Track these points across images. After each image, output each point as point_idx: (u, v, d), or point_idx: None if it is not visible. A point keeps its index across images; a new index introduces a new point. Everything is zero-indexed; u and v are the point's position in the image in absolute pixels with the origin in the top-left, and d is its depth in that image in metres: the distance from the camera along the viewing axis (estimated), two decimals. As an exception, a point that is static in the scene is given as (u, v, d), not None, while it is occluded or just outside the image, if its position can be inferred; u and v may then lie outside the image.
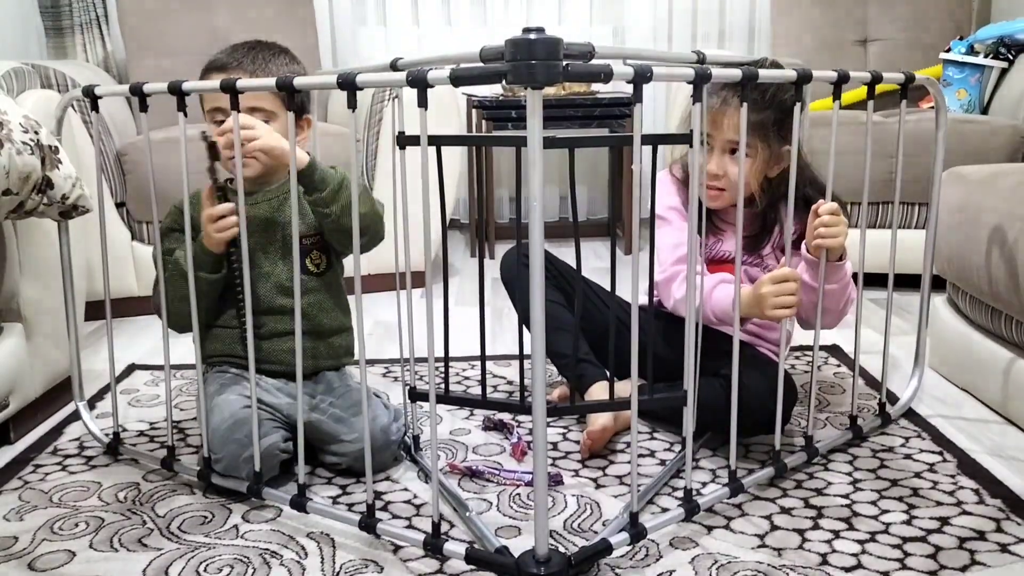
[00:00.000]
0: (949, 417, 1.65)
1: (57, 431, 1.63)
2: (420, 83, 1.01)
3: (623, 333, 1.35)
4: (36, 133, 1.40)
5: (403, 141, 1.24)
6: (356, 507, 1.32)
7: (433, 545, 1.15)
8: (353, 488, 1.39)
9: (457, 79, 0.98)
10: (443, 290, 1.35)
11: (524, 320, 1.41)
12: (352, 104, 1.07)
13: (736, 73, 1.17)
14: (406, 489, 1.38)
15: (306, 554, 1.20)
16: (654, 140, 1.32)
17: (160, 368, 1.94)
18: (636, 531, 1.16)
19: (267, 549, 1.21)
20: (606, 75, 0.98)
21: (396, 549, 1.20)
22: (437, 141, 1.16)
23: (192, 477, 1.40)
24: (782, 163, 1.51)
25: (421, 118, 1.03)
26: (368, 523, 1.19)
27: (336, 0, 3.33)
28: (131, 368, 1.98)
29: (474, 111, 3.12)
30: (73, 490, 1.40)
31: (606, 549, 1.13)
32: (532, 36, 0.93)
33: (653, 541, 1.21)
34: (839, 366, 1.94)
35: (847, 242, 1.42)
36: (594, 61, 1.03)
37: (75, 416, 1.69)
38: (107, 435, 1.55)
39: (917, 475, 1.40)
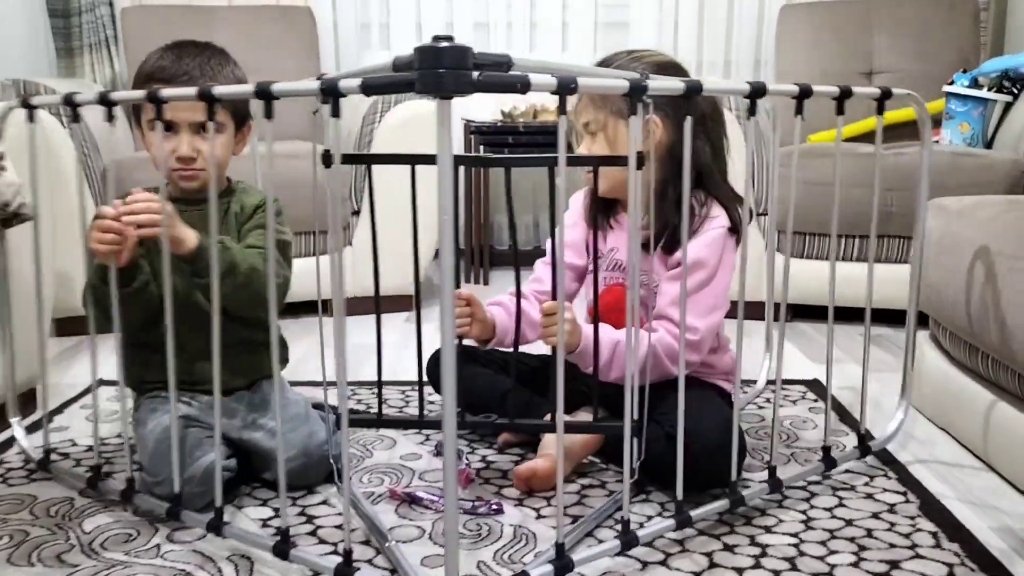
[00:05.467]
0: (922, 457, 1.58)
1: (7, 444, 1.62)
2: (332, 91, 0.99)
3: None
4: (-19, 140, 1.40)
5: (328, 160, 1.20)
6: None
7: (343, 573, 1.11)
8: (287, 510, 1.35)
9: (367, 88, 0.95)
10: (375, 310, 1.32)
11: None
12: (268, 114, 1.04)
13: (677, 86, 1.13)
14: (340, 514, 1.34)
15: (222, 576, 1.16)
16: (594, 161, 1.29)
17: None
18: (561, 563, 1.11)
19: (182, 570, 1.17)
20: (523, 85, 0.95)
21: (315, 575, 1.16)
22: (353, 160, 1.13)
23: (115, 497, 1.37)
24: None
25: (335, 129, 1.01)
26: (282, 549, 1.15)
27: (341, 24, 3.35)
28: (99, 383, 1.96)
29: (472, 136, 3.10)
30: (7, 503, 1.38)
31: (524, 582, 1.08)
32: (441, 44, 0.90)
33: (581, 575, 1.15)
34: (816, 400, 1.87)
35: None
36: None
37: (30, 428, 1.68)
38: (45, 452, 1.53)
39: (875, 515, 1.33)
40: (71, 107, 1.25)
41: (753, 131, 1.22)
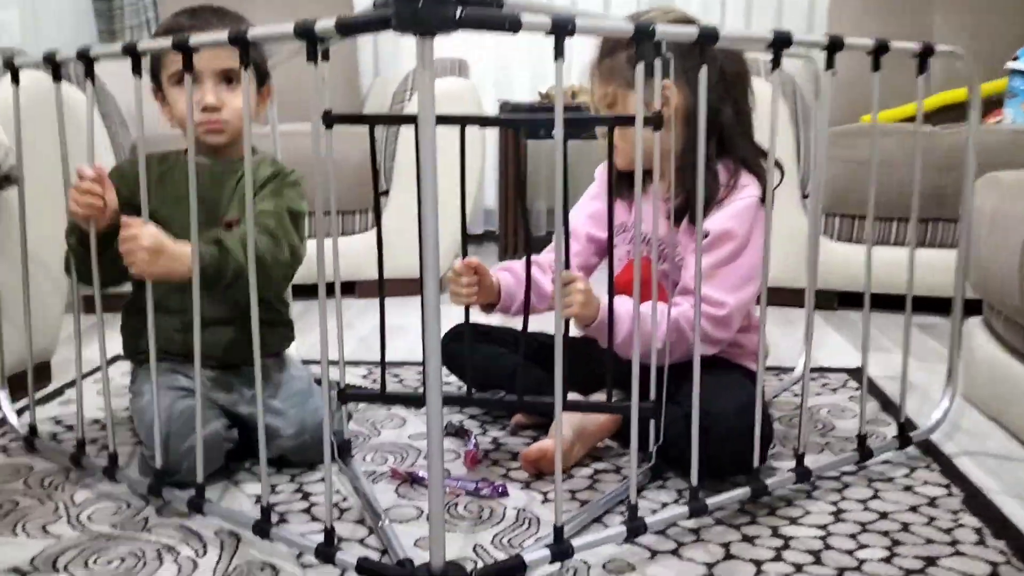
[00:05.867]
0: (969, 449, 1.46)
1: (17, 414, 1.59)
2: (308, 34, 0.92)
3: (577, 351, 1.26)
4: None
5: (329, 120, 1.13)
6: (278, 507, 1.23)
7: (325, 553, 1.04)
8: (284, 487, 1.29)
9: (342, 26, 0.88)
10: (379, 291, 1.26)
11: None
12: (245, 61, 0.98)
13: (690, 32, 1.03)
14: (338, 491, 1.28)
15: (205, 552, 1.10)
16: (600, 121, 1.20)
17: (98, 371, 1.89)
18: (560, 548, 1.03)
19: (167, 545, 1.12)
20: (511, 23, 0.87)
21: (300, 554, 1.10)
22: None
23: (98, 474, 1.32)
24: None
25: (316, 79, 0.94)
26: (262, 527, 1.09)
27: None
28: (114, 359, 1.94)
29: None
30: (4, 472, 1.35)
31: (518, 567, 1.00)
32: (421, -24, 0.82)
33: (584, 562, 1.07)
34: (857, 389, 1.76)
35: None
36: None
37: (41, 401, 1.65)
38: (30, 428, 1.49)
39: (913, 509, 1.22)
40: (86, 62, 1.20)
41: (777, 86, 1.11)
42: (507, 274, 1.44)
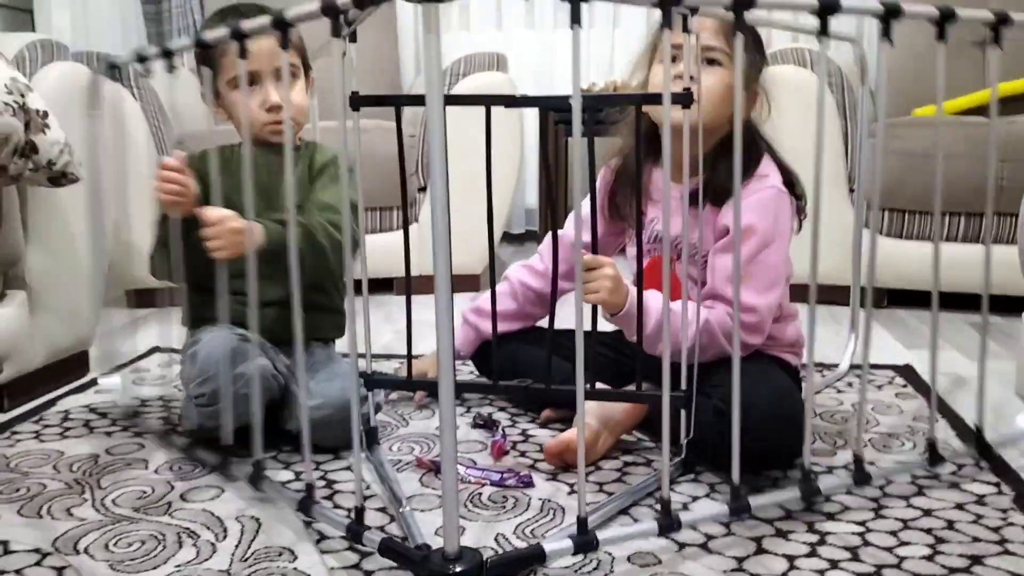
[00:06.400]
0: (1023, 447, 1.38)
1: (51, 403, 1.61)
2: (332, 10, 0.91)
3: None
4: (22, 96, 1.38)
5: (355, 103, 1.12)
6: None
7: (355, 532, 1.03)
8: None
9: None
10: (406, 285, 1.24)
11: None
12: (284, 43, 0.98)
13: None
14: (362, 478, 1.26)
15: (225, 536, 1.09)
16: (629, 99, 1.17)
17: (176, 351, 1.91)
18: (584, 539, 0.99)
19: (188, 529, 1.11)
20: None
21: (320, 539, 1.08)
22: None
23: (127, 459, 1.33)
24: (753, 103, 1.31)
25: (337, 57, 0.93)
26: (305, 504, 1.10)
27: (419, 10, 3.30)
28: (153, 350, 1.96)
29: (551, 113, 3.00)
30: (34, 457, 1.36)
31: (536, 556, 0.97)
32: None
33: (609, 554, 1.03)
34: (905, 386, 1.69)
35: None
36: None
37: (74, 391, 1.67)
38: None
39: (959, 506, 1.16)
40: (167, 57, 1.22)
41: (823, 61, 1.06)
42: (511, 295, 1.48)
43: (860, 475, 1.17)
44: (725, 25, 1.29)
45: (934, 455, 1.25)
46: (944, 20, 1.13)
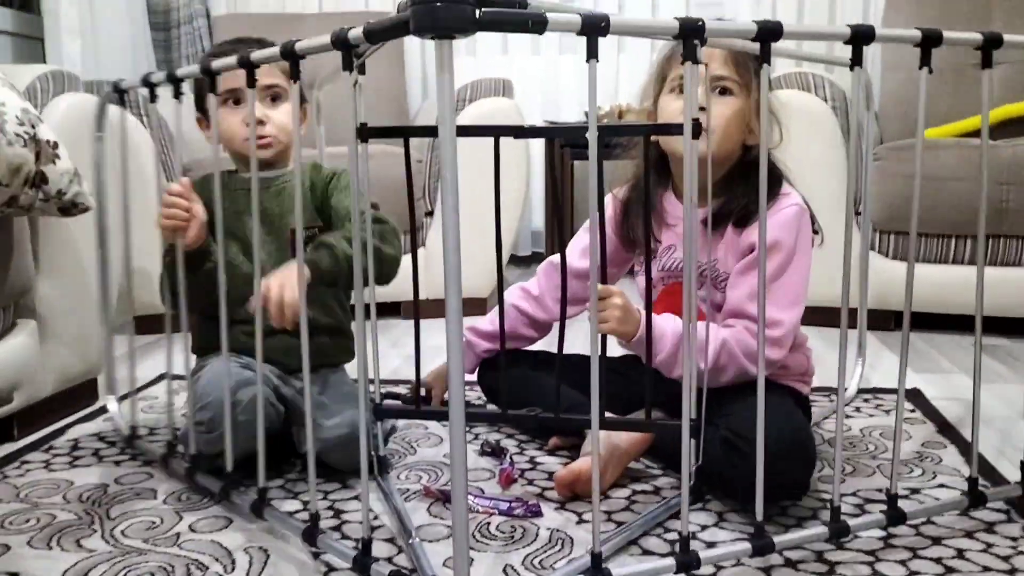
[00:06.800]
0: (1033, 474, 1.38)
1: (60, 432, 1.61)
2: (342, 44, 0.92)
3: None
4: (33, 127, 1.40)
5: (363, 134, 1.13)
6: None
7: (362, 564, 1.03)
8: (317, 504, 1.28)
9: (369, 33, 0.88)
10: (414, 310, 1.25)
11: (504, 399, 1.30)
12: (295, 74, 0.99)
13: (749, 28, 0.98)
14: (370, 510, 1.26)
15: (234, 568, 1.09)
16: (639, 130, 1.18)
17: (181, 378, 1.92)
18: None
19: (196, 560, 1.12)
20: (536, 22, 0.85)
21: (328, 571, 1.08)
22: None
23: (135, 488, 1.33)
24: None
25: (350, 88, 0.94)
26: (311, 533, 1.10)
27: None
28: (160, 377, 1.96)
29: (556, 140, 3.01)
30: (44, 487, 1.36)
31: (546, 589, 0.97)
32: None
33: (617, 585, 1.03)
34: (913, 411, 1.68)
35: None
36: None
37: (83, 419, 1.68)
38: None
39: (968, 534, 1.15)
40: (174, 83, 1.24)
41: (860, 87, 1.05)
42: (516, 306, 1.49)
43: (894, 514, 1.14)
44: (734, 54, 1.30)
45: (975, 494, 1.20)
46: (927, 43, 1.10)
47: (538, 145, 3.12)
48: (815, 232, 1.37)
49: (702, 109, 1.20)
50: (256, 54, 1.11)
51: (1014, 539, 1.14)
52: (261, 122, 1.39)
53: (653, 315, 1.23)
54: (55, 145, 1.44)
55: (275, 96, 1.42)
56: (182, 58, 3.35)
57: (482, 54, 3.34)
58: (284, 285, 1.20)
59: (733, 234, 1.34)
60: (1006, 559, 1.09)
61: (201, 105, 1.47)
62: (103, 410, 1.73)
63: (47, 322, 1.64)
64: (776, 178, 1.34)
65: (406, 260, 1.40)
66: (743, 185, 1.32)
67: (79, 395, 1.74)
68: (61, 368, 1.67)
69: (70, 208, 1.50)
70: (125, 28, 3.31)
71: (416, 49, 3.30)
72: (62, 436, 1.59)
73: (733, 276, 1.33)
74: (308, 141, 1.76)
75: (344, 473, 1.36)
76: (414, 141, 2.03)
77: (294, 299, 1.18)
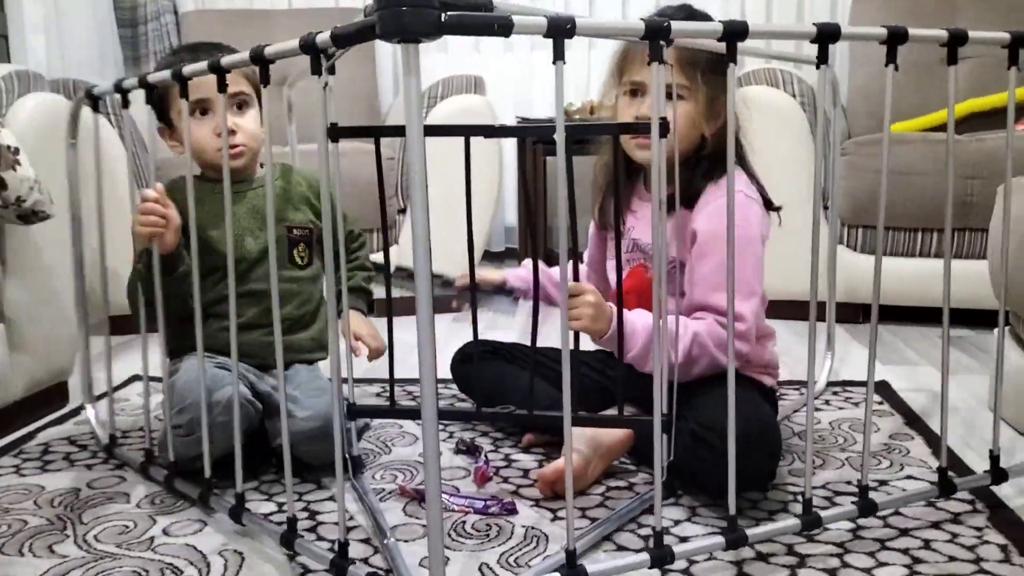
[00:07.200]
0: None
1: (30, 436, 1.60)
2: (311, 48, 0.92)
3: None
4: (-9, 133, 1.38)
5: (335, 134, 1.13)
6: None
7: (339, 567, 1.03)
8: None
9: (336, 37, 0.88)
10: (387, 307, 1.25)
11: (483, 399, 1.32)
12: (265, 79, 0.99)
13: (715, 28, 0.98)
14: (346, 509, 1.26)
15: (208, 571, 1.09)
16: (607, 129, 1.19)
17: (157, 380, 1.90)
18: (573, 574, 0.99)
19: (171, 564, 1.11)
20: (502, 26, 0.85)
21: (303, 573, 1.08)
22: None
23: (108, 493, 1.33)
24: (719, 119, 1.31)
25: (320, 90, 0.94)
26: (288, 538, 1.09)
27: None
28: (133, 378, 1.95)
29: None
30: (15, 492, 1.35)
31: (521, 587, 0.98)
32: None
33: (592, 582, 1.04)
34: (880, 403, 1.71)
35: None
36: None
37: (53, 423, 1.66)
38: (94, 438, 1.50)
39: (935, 525, 1.18)
40: (147, 88, 1.24)
41: (827, 84, 1.05)
42: (521, 273, 1.49)
43: (865, 504, 1.15)
44: (681, 60, 1.30)
45: (945, 484, 1.21)
46: (892, 40, 1.10)
47: (511, 141, 3.12)
48: (774, 210, 1.38)
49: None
50: (227, 59, 1.10)
51: (979, 529, 1.16)
52: (232, 132, 1.38)
53: (625, 311, 1.24)
54: (16, 151, 1.42)
55: (241, 104, 1.42)
56: (150, 55, 3.31)
57: (454, 51, 3.33)
58: (374, 335, 1.45)
59: (685, 216, 1.35)
60: (971, 548, 1.11)
61: (163, 116, 1.45)
62: (74, 413, 1.71)
63: (15, 326, 1.62)
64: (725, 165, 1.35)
65: (376, 257, 1.44)
66: (696, 167, 1.34)
67: (48, 398, 1.73)
68: (30, 372, 1.65)
69: (29, 216, 1.49)
70: (91, 24, 3.27)
71: (387, 46, 3.29)
72: (32, 440, 1.58)
73: (687, 268, 1.34)
74: (280, 138, 1.76)
75: (319, 472, 1.36)
76: (386, 139, 2.03)
77: (383, 343, 1.42)
